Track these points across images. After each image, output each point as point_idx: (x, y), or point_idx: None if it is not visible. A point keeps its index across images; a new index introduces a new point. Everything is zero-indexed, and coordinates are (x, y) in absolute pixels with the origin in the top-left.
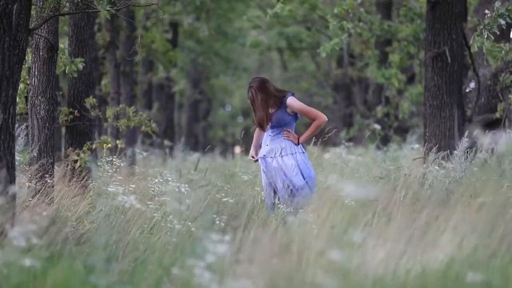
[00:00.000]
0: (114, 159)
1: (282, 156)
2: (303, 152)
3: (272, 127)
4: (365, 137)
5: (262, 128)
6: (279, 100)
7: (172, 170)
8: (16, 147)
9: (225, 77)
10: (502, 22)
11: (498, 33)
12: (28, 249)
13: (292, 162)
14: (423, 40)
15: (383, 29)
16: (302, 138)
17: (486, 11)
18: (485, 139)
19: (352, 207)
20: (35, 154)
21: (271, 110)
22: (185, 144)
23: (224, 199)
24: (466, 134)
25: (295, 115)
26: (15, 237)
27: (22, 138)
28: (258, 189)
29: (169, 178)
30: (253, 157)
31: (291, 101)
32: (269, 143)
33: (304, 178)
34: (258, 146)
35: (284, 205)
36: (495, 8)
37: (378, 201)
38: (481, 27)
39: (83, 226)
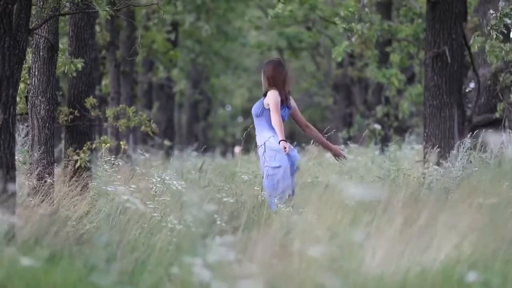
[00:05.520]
0: (113, 159)
1: (262, 147)
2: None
3: (255, 116)
4: (365, 136)
5: (286, 102)
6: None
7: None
8: (16, 147)
9: (226, 76)
10: (508, 21)
11: (506, 32)
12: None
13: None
14: (423, 40)
15: (383, 29)
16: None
17: (491, 11)
18: (485, 139)
19: (352, 207)
20: (35, 154)
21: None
22: (185, 144)
23: (225, 199)
24: (466, 134)
25: (268, 109)
26: None
27: (22, 137)
28: (258, 189)
29: (170, 179)
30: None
31: (269, 94)
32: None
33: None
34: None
35: (276, 199)
36: (499, 7)
37: (379, 202)
38: (489, 27)
39: (83, 226)
